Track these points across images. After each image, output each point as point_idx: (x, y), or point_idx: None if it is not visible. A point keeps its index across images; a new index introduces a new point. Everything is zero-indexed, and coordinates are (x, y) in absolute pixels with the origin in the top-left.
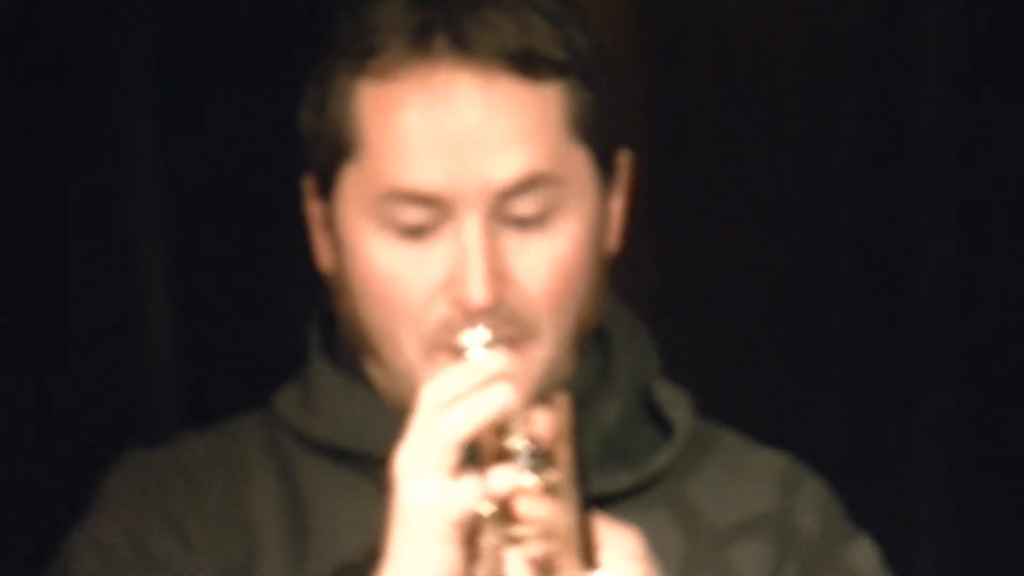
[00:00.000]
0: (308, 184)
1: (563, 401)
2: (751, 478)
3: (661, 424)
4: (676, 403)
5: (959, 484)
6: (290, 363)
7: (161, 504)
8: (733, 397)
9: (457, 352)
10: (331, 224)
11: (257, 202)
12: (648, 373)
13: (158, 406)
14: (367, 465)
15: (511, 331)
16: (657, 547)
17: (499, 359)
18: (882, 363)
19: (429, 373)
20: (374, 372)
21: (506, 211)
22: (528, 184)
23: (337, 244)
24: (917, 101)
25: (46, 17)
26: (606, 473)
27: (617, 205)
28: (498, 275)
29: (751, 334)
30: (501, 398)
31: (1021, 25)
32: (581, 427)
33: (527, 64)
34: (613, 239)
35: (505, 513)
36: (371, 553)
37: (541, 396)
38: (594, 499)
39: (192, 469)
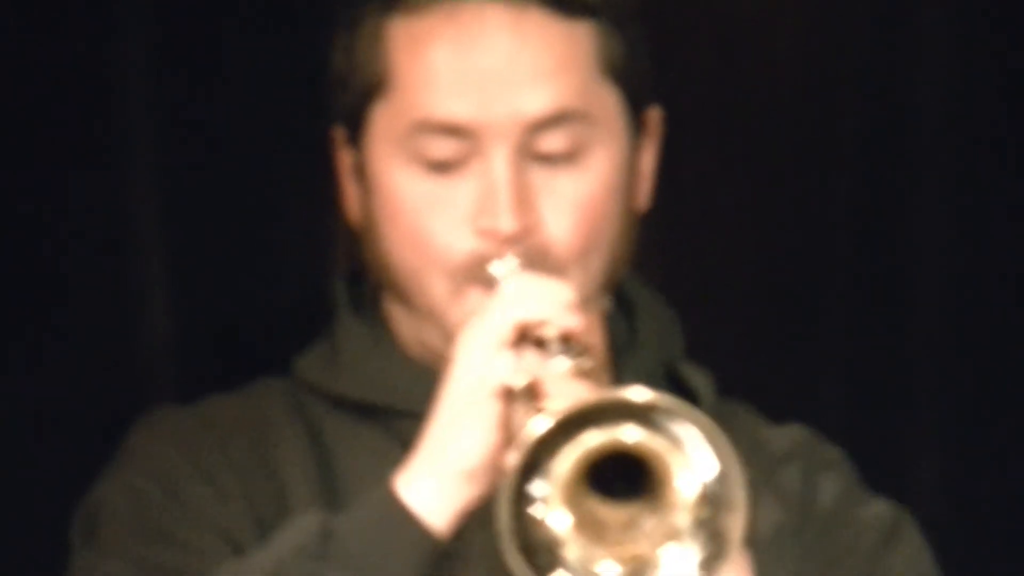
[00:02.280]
0: (338, 134)
1: (596, 312)
2: (773, 441)
3: (685, 397)
4: (699, 377)
5: (959, 483)
6: (290, 360)
7: (191, 454)
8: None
9: (488, 283)
10: (360, 170)
11: (257, 201)
12: (673, 348)
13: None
14: (392, 419)
15: (539, 263)
16: None
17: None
18: (881, 362)
19: (458, 310)
20: (401, 325)
21: (535, 147)
22: (557, 119)
23: (366, 188)
24: (917, 99)
25: (46, 17)
26: None
27: (648, 160)
28: (526, 206)
29: (750, 334)
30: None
31: (1021, 25)
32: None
33: (557, 1)
34: (643, 194)
35: (535, 391)
36: None
37: None
38: None
39: (219, 426)
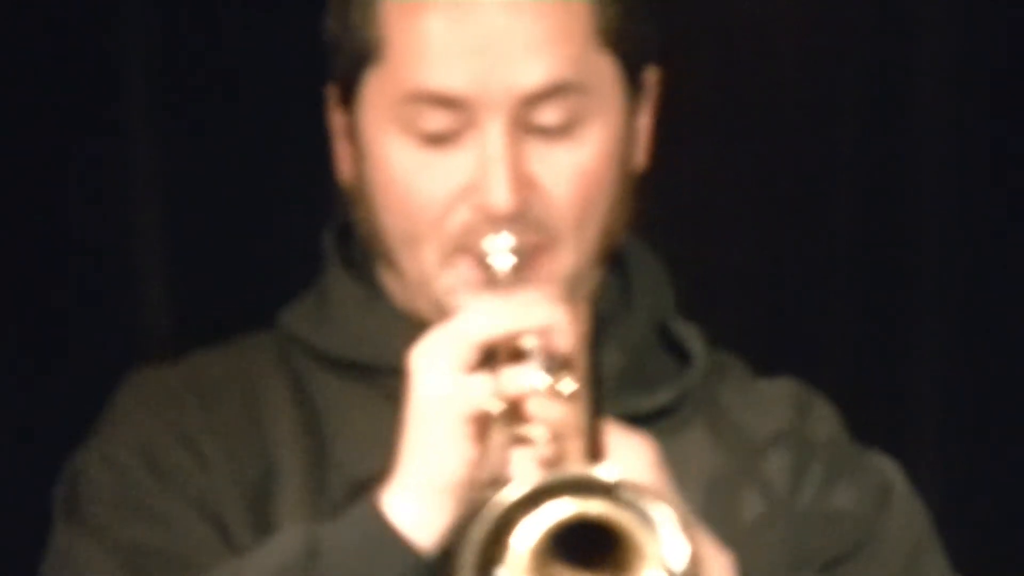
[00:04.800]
0: (331, 93)
1: (583, 310)
2: (766, 400)
3: (677, 354)
4: (692, 335)
5: (959, 482)
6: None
7: (174, 420)
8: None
9: (479, 257)
10: (352, 133)
11: (257, 200)
12: (665, 305)
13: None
14: (383, 378)
15: (535, 238)
16: (694, 462)
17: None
18: (882, 363)
19: (447, 278)
20: (391, 283)
21: (530, 119)
22: (552, 91)
23: (358, 153)
24: (917, 97)
25: (47, 16)
26: (626, 397)
27: (645, 121)
28: (522, 181)
29: (750, 331)
30: (543, 317)
31: (1021, 24)
32: (601, 345)
33: None
34: (640, 155)
35: (515, 413)
36: (389, 467)
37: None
38: (620, 419)
39: (204, 386)
